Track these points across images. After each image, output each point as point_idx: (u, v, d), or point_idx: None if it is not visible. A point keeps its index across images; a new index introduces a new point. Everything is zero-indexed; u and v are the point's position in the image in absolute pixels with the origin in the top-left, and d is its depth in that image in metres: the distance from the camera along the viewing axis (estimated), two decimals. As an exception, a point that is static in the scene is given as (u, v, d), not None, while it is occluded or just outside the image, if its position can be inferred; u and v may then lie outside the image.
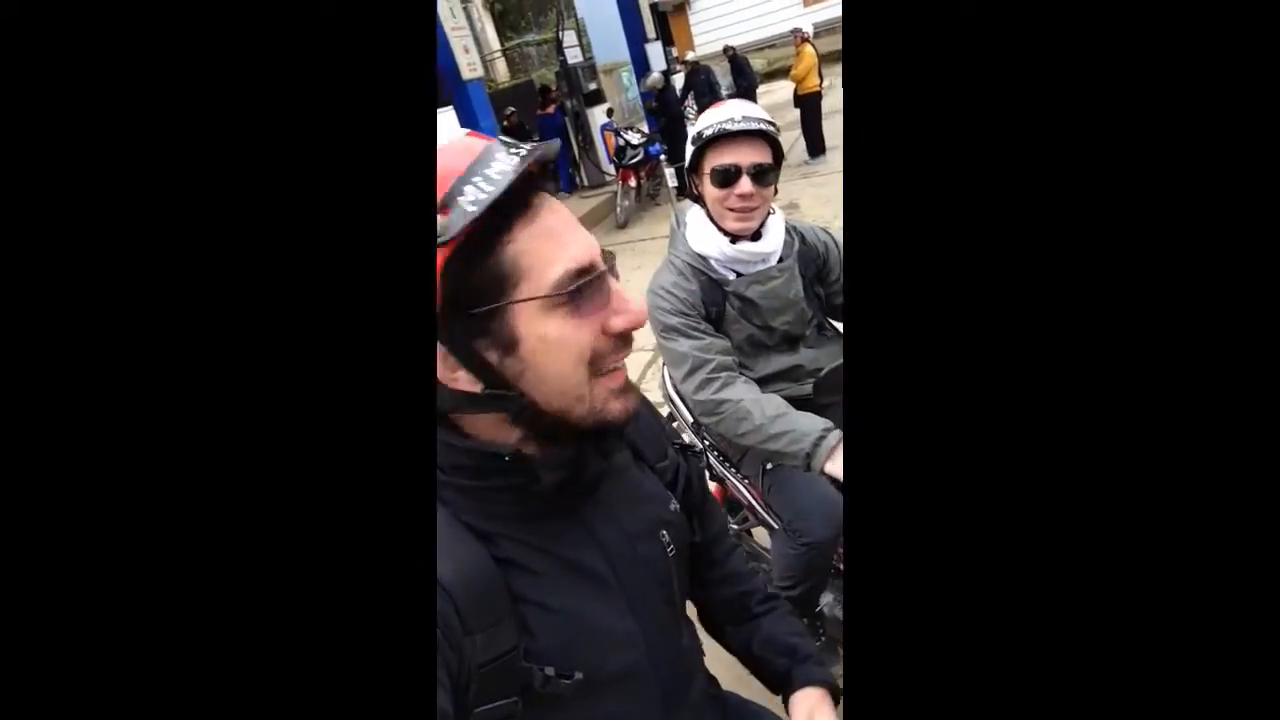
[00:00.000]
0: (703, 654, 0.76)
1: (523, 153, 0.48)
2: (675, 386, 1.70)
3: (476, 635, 0.50)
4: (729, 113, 1.28)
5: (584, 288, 0.49)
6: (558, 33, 7.69)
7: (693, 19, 17.18)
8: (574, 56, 7.56)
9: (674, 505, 0.67)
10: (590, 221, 6.66)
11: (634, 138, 6.40)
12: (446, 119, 5.21)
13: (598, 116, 7.51)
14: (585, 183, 7.90)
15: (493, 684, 0.51)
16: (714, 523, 0.82)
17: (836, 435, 1.17)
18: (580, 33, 9.38)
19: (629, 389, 0.54)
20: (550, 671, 0.53)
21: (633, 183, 6.33)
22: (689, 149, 1.33)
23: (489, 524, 0.54)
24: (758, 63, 13.91)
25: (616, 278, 0.53)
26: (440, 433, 0.52)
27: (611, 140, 6.71)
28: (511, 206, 0.48)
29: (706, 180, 1.30)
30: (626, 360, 0.54)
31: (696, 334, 1.32)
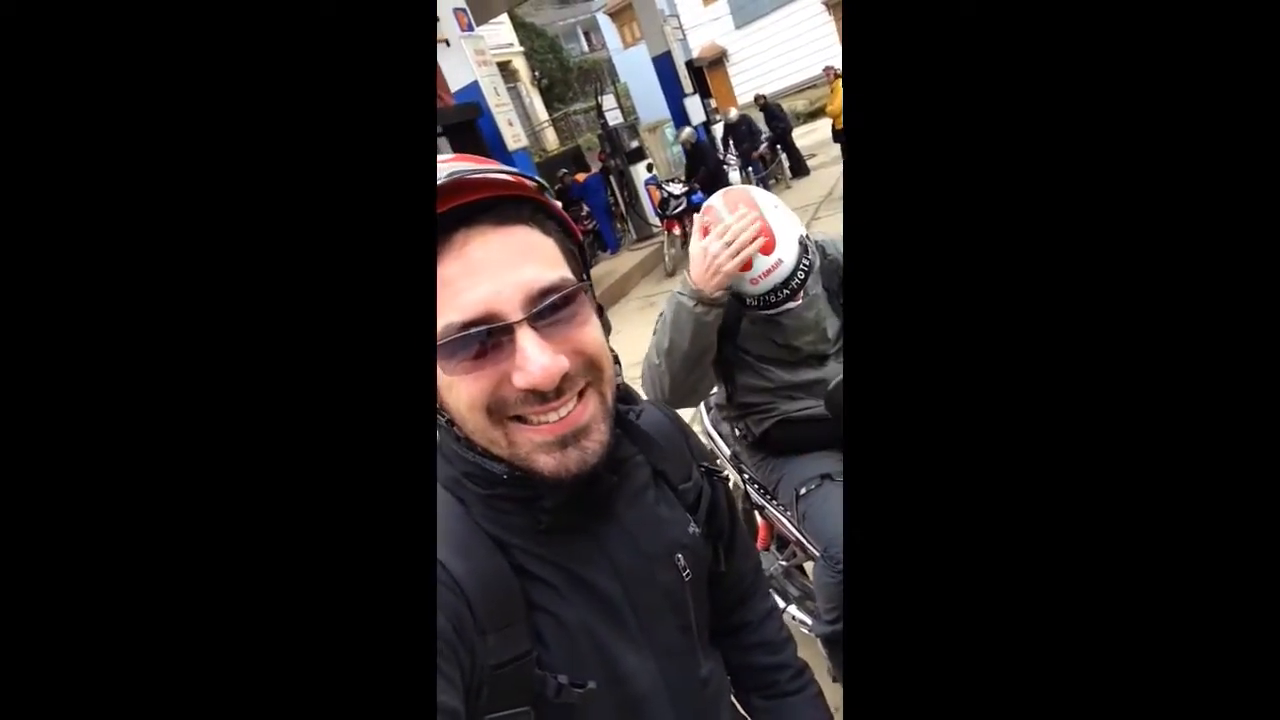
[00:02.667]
0: (730, 690, 0.73)
1: (440, 178, 0.45)
2: (711, 422, 1.69)
3: (489, 635, 0.49)
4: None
5: (467, 341, 0.46)
6: (598, 99, 8.06)
7: (731, 70, 17.67)
8: (615, 118, 7.89)
9: (693, 528, 0.64)
10: (641, 272, 6.80)
11: (676, 189, 6.58)
12: (495, 187, 5.49)
13: (641, 173, 7.75)
14: (634, 236, 8.10)
15: (505, 689, 0.50)
16: (745, 560, 0.77)
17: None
18: (622, 96, 9.80)
19: (571, 444, 0.49)
20: (564, 680, 0.52)
21: (678, 231, 6.45)
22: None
23: (503, 532, 0.53)
24: (799, 103, 14.08)
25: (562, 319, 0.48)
26: (456, 441, 0.52)
27: (656, 194, 6.91)
28: None
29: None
30: (583, 411, 0.50)
31: None
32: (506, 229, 0.48)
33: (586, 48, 22.80)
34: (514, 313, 0.46)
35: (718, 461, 1.50)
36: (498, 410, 0.48)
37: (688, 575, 0.61)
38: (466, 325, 0.46)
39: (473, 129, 5.49)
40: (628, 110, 9.43)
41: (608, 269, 7.24)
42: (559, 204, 0.54)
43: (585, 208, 7.89)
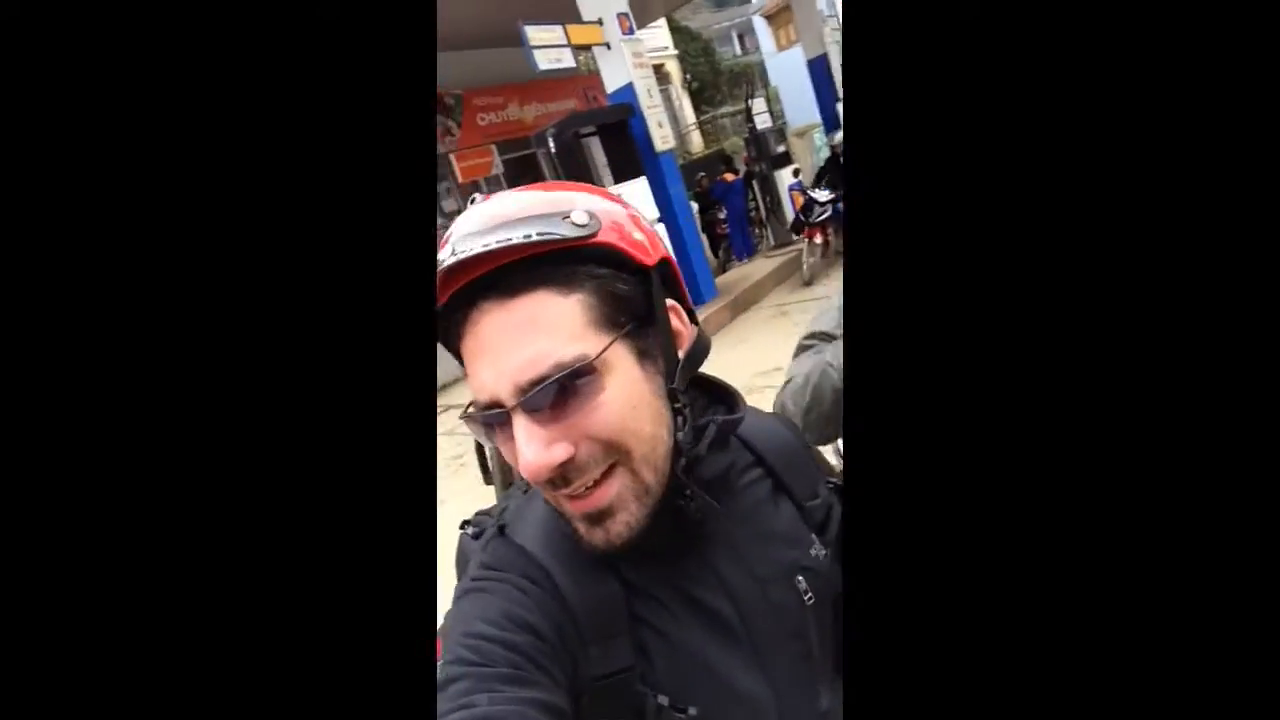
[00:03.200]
0: None
1: (446, 261, 0.42)
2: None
3: (591, 646, 0.48)
4: None
5: (486, 421, 0.45)
6: (747, 102, 8.01)
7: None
8: (763, 122, 7.81)
9: (816, 550, 0.59)
10: (775, 279, 6.68)
11: (822, 195, 6.36)
12: (640, 188, 5.65)
13: (786, 178, 7.63)
14: (772, 242, 7.99)
15: (605, 702, 0.48)
16: None
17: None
18: (771, 100, 9.65)
19: (596, 523, 0.46)
20: (664, 701, 0.49)
21: (819, 239, 6.26)
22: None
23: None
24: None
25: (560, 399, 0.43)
26: None
27: (800, 199, 6.76)
28: (446, 311, 0.45)
29: None
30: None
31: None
32: (513, 302, 0.43)
33: (739, 50, 22.71)
34: (508, 399, 0.43)
35: None
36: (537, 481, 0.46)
37: (810, 599, 0.56)
38: (481, 407, 0.45)
39: (624, 129, 5.68)
40: (776, 114, 9.28)
41: (741, 274, 7.19)
42: (615, 231, 0.46)
43: (724, 211, 7.90)
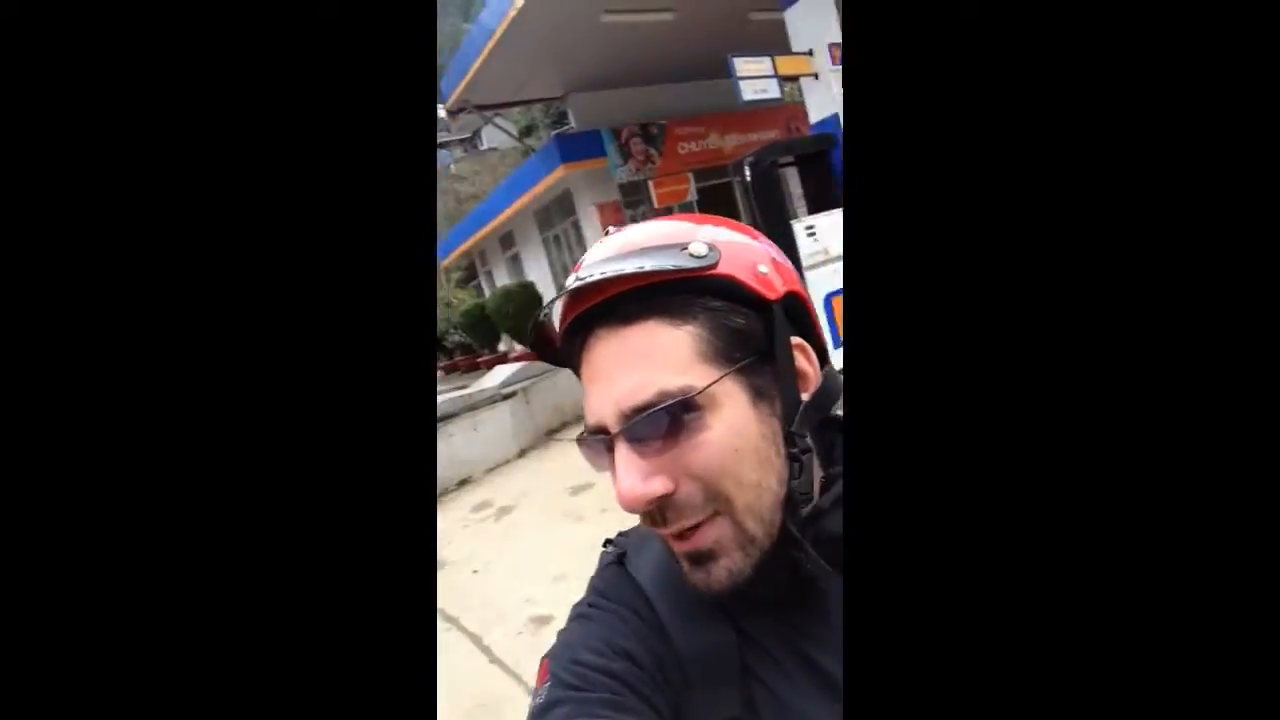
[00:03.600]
0: None
1: (569, 286, 0.43)
2: None
3: (696, 690, 0.45)
4: None
5: (594, 446, 0.44)
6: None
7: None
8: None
9: None
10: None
11: None
12: (835, 219, 5.46)
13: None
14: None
15: None
16: None
17: None
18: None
19: (698, 564, 0.44)
20: None
21: None
22: None
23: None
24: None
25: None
26: None
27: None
28: (567, 337, 0.47)
29: None
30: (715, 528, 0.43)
31: None
32: (626, 330, 0.43)
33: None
34: (613, 425, 0.42)
35: None
36: (645, 517, 0.45)
37: None
38: (590, 431, 0.45)
39: (823, 160, 5.54)
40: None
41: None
42: (735, 264, 0.44)
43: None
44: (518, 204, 10.18)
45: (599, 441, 0.44)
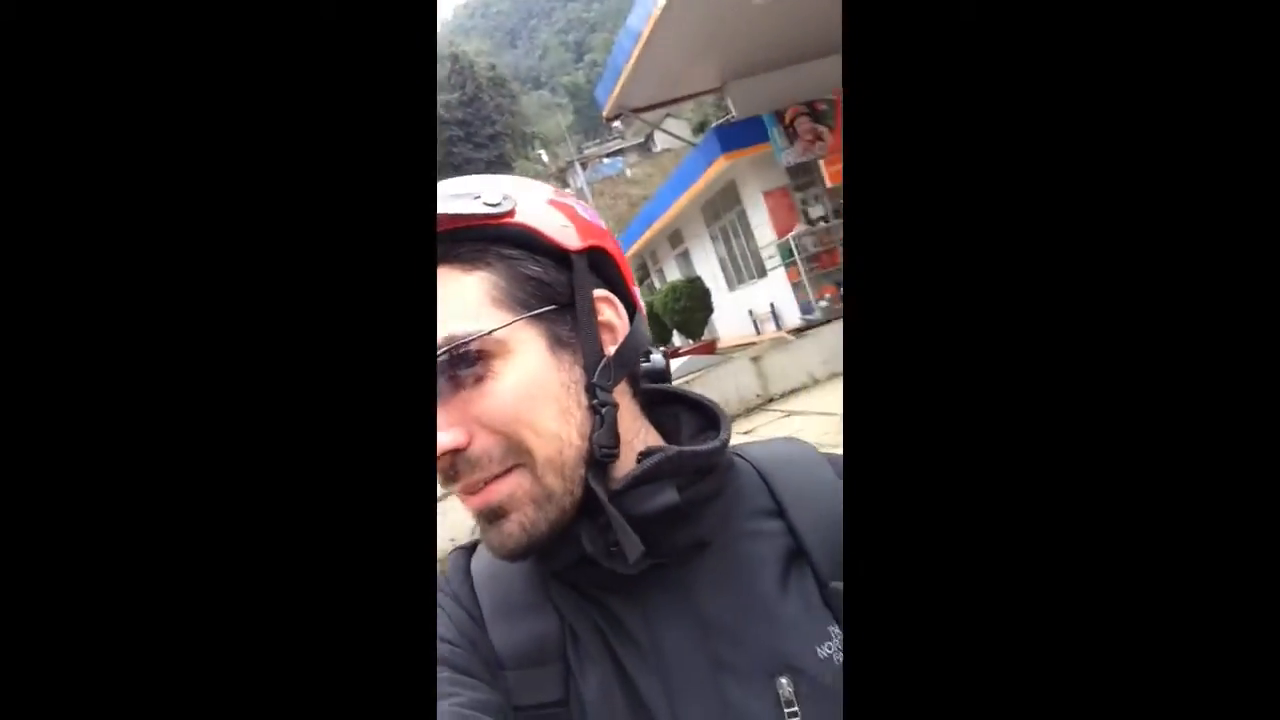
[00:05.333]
0: None
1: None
2: None
3: (510, 671, 0.44)
4: None
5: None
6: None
7: None
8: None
9: (830, 650, 0.44)
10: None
11: None
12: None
13: None
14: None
15: None
16: None
17: None
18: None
19: (489, 523, 0.42)
20: None
21: None
22: None
23: (547, 565, 0.47)
24: None
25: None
26: None
27: None
28: None
29: None
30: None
31: None
32: None
33: None
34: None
35: None
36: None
37: (793, 714, 0.42)
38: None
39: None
40: None
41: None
42: (528, 220, 0.44)
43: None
44: (682, 200, 10.20)
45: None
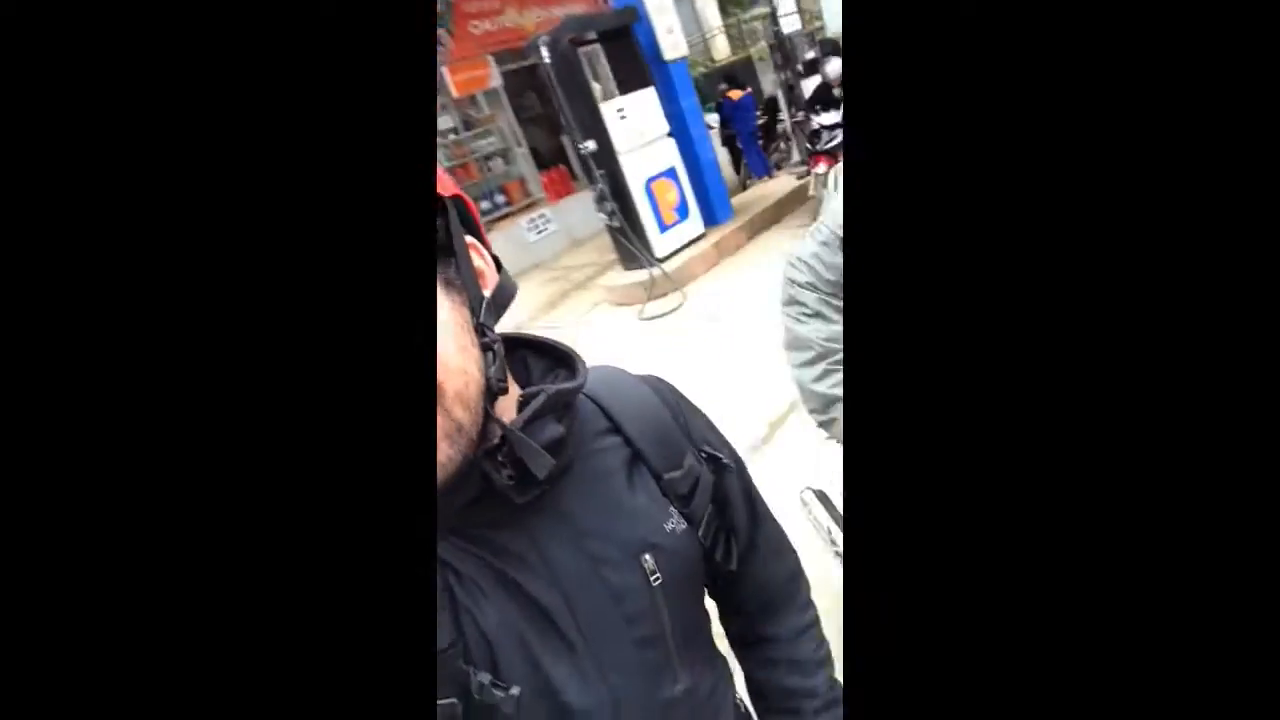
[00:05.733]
0: (733, 704, 0.66)
1: None
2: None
3: None
4: None
5: None
6: (771, 1, 7.29)
7: (938, -32, 15.23)
8: (791, 25, 7.10)
9: (672, 524, 0.56)
10: (796, 200, 6.23)
11: (829, 118, 5.24)
12: (646, 99, 5.21)
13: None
14: (798, 158, 7.44)
15: None
16: (774, 565, 0.70)
17: None
18: (803, 2, 8.81)
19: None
20: (486, 679, 0.48)
21: (821, 169, 5.19)
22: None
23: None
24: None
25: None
26: None
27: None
28: None
29: None
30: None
31: (830, 316, 1.09)
32: None
33: (772, -54, 20.93)
34: None
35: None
36: None
37: (657, 580, 0.54)
38: None
39: (628, 36, 5.19)
40: (810, 16, 8.48)
41: (759, 194, 6.75)
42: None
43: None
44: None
45: None
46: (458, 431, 0.44)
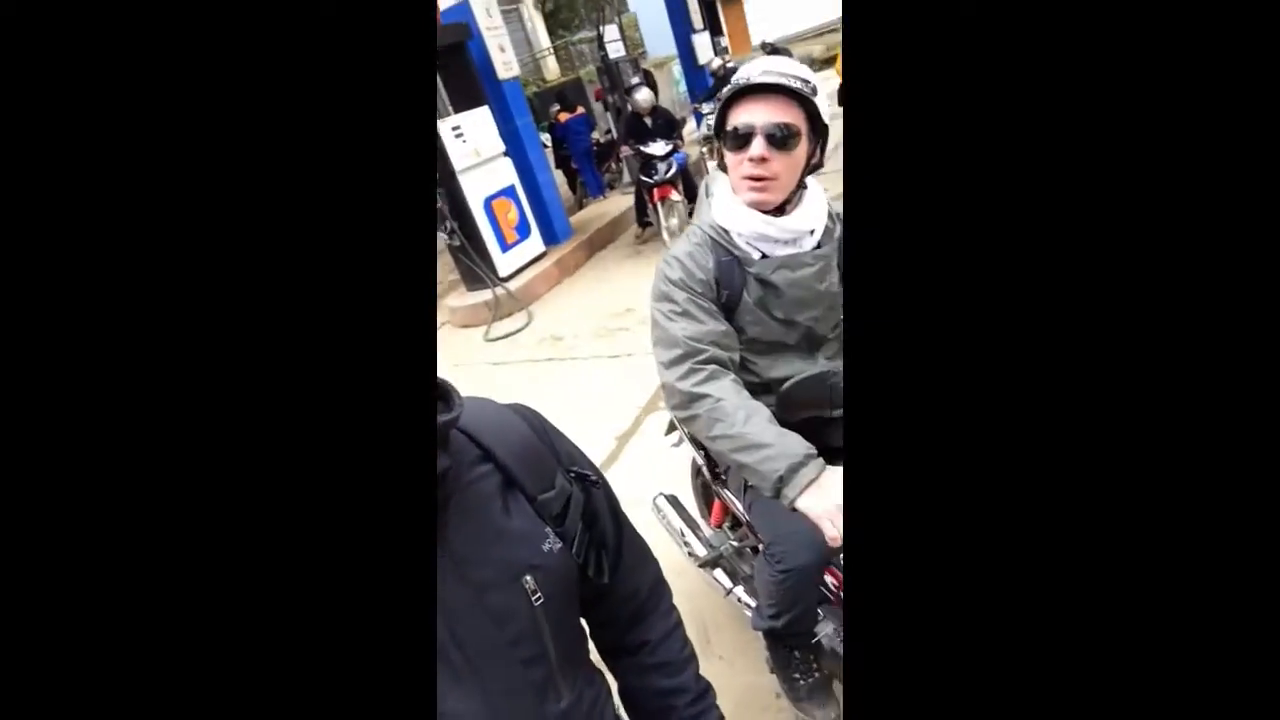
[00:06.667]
0: (613, 716, 0.68)
1: None
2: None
3: None
4: (754, 67, 1.11)
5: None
6: (599, 28, 7.60)
7: (748, 6, 16.79)
8: (616, 51, 7.44)
9: (549, 545, 0.58)
10: (630, 218, 6.51)
11: (657, 149, 5.23)
12: (481, 117, 5.20)
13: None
14: (629, 178, 7.79)
15: None
16: (640, 573, 0.72)
17: (817, 466, 1.01)
18: (629, 28, 9.26)
19: None
20: None
21: (675, 197, 5.28)
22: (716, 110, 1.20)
23: None
24: (816, 48, 13.48)
25: None
26: None
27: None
28: None
29: (726, 144, 1.13)
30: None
31: (698, 316, 1.15)
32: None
33: (597, -28, 21.59)
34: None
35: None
36: None
37: (539, 600, 0.56)
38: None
39: (461, 53, 5.15)
40: (634, 43, 8.93)
41: (597, 212, 6.98)
42: None
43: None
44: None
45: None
46: None
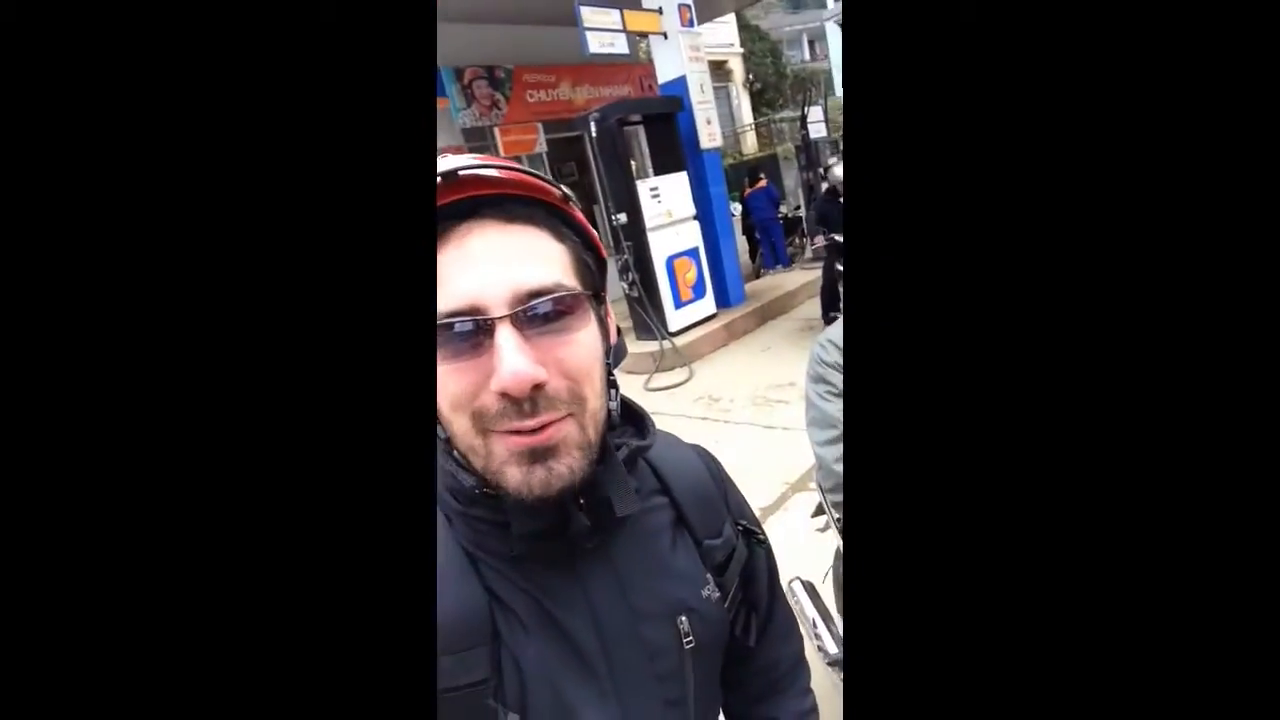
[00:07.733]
0: None
1: (456, 168, 0.46)
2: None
3: (445, 656, 0.47)
4: None
5: (449, 333, 0.43)
6: (803, 108, 7.80)
7: (961, 98, 16.17)
8: (817, 131, 7.59)
9: (708, 591, 0.57)
10: (809, 292, 6.48)
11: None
12: (678, 182, 5.52)
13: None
14: (808, 255, 7.78)
15: (451, 714, 0.46)
16: (783, 645, 0.69)
17: None
18: (834, 110, 9.39)
19: (539, 461, 0.45)
20: (514, 718, 0.48)
21: None
22: None
23: (479, 551, 0.51)
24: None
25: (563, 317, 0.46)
26: (440, 454, 0.50)
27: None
28: None
29: None
30: (569, 428, 0.46)
31: None
32: (512, 227, 0.46)
33: (808, 56, 22.26)
34: (498, 308, 0.44)
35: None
36: (479, 418, 0.45)
37: (690, 643, 0.54)
38: (450, 315, 0.43)
39: (670, 122, 5.55)
40: (835, 125, 9.02)
41: (773, 283, 7.02)
42: (581, 215, 0.52)
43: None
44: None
45: (465, 323, 0.44)
46: (589, 447, 0.47)
